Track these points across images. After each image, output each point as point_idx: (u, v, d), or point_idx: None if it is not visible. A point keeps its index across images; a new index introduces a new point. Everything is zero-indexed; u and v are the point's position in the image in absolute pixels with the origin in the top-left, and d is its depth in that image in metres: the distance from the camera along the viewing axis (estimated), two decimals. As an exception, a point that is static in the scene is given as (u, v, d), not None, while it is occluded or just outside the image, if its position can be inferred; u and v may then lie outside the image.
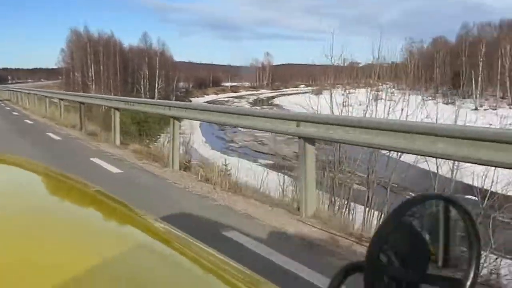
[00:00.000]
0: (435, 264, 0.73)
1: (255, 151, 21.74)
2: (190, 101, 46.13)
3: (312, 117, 4.85)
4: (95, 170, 6.77)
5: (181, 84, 75.32)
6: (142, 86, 53.98)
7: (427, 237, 0.75)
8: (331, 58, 9.58)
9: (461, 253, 0.75)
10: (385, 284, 0.69)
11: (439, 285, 0.73)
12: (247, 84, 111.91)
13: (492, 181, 5.25)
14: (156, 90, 54.74)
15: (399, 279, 0.70)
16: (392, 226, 0.69)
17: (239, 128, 25.88)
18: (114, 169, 6.89)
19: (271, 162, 18.28)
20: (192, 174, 6.56)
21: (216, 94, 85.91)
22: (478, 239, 0.74)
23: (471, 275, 0.72)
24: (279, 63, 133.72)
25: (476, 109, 29.12)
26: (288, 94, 78.61)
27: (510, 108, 32.11)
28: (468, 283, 0.71)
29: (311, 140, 4.56)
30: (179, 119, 7.17)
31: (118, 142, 9.60)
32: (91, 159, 7.79)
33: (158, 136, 14.16)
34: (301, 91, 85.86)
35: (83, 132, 11.67)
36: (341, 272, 0.72)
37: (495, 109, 26.99)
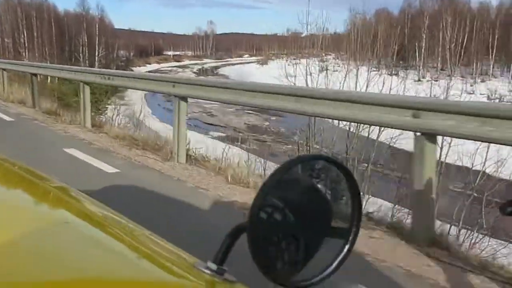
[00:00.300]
0: (327, 223, 0.78)
1: (206, 123, 21.20)
2: (132, 70, 44.38)
3: (445, 105, 3.41)
4: (81, 170, 5.08)
5: (121, 52, 72.55)
6: (81, 54, 51.25)
7: (316, 196, 0.78)
8: (306, 26, 9.34)
9: (345, 211, 0.79)
10: (274, 243, 0.73)
11: (326, 247, 0.77)
12: (190, 53, 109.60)
13: (486, 159, 5.15)
14: (96, 58, 52.22)
15: (291, 237, 0.75)
16: (272, 185, 0.71)
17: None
18: (106, 167, 5.26)
19: (223, 134, 17.91)
20: (209, 171, 5.21)
21: (159, 63, 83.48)
22: (359, 198, 0.79)
23: (352, 232, 0.77)
24: (222, 32, 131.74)
25: (419, 80, 29.91)
26: (233, 64, 77.70)
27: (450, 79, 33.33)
28: (349, 240, 0.77)
29: (433, 136, 3.40)
30: (185, 98, 5.65)
31: (89, 124, 7.92)
32: (66, 150, 6.06)
33: (105, 108, 13.32)
34: (245, 61, 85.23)
35: (38, 110, 9.65)
36: (229, 236, 0.73)
37: (437, 81, 27.86)
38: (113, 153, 6.03)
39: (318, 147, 6.65)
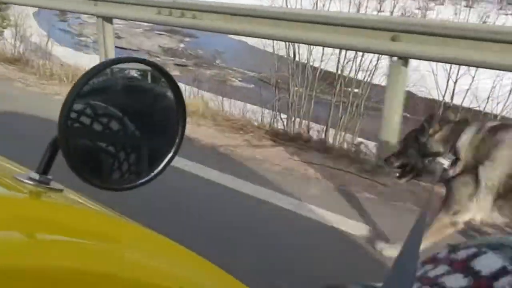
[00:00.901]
0: (153, 126, 0.77)
1: (115, 46, 19.30)
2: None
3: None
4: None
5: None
6: None
7: (141, 99, 0.78)
8: None
9: (170, 114, 0.76)
10: (97, 150, 0.74)
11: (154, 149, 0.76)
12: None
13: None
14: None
15: (119, 142, 0.74)
16: (80, 91, 0.68)
17: (85, 19, 22.48)
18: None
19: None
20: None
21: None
22: (182, 101, 0.77)
23: (179, 133, 0.77)
24: None
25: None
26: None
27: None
28: (176, 143, 0.76)
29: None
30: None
31: None
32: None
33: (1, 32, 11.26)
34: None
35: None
36: (49, 146, 0.71)
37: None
38: (256, 161, 3.70)
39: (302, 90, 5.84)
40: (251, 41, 12.69)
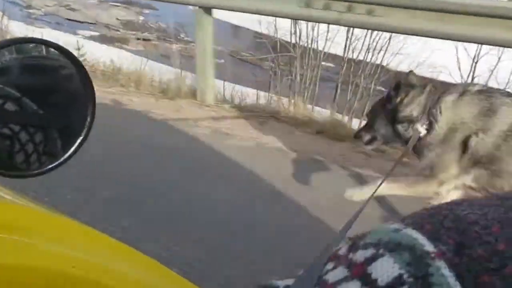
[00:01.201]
0: (63, 108, 0.74)
1: (69, 19, 18.14)
2: None
3: None
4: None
5: None
6: None
7: (49, 81, 0.74)
8: None
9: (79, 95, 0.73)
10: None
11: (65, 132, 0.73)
12: None
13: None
14: None
15: (28, 127, 0.70)
16: None
17: (33, -11, 20.98)
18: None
19: (96, 33, 15.46)
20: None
21: None
22: (90, 82, 0.72)
23: (89, 115, 0.71)
24: None
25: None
26: None
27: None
28: (86, 125, 0.71)
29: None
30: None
31: (212, 96, 4.44)
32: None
33: None
34: None
35: None
36: None
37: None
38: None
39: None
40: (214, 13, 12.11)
